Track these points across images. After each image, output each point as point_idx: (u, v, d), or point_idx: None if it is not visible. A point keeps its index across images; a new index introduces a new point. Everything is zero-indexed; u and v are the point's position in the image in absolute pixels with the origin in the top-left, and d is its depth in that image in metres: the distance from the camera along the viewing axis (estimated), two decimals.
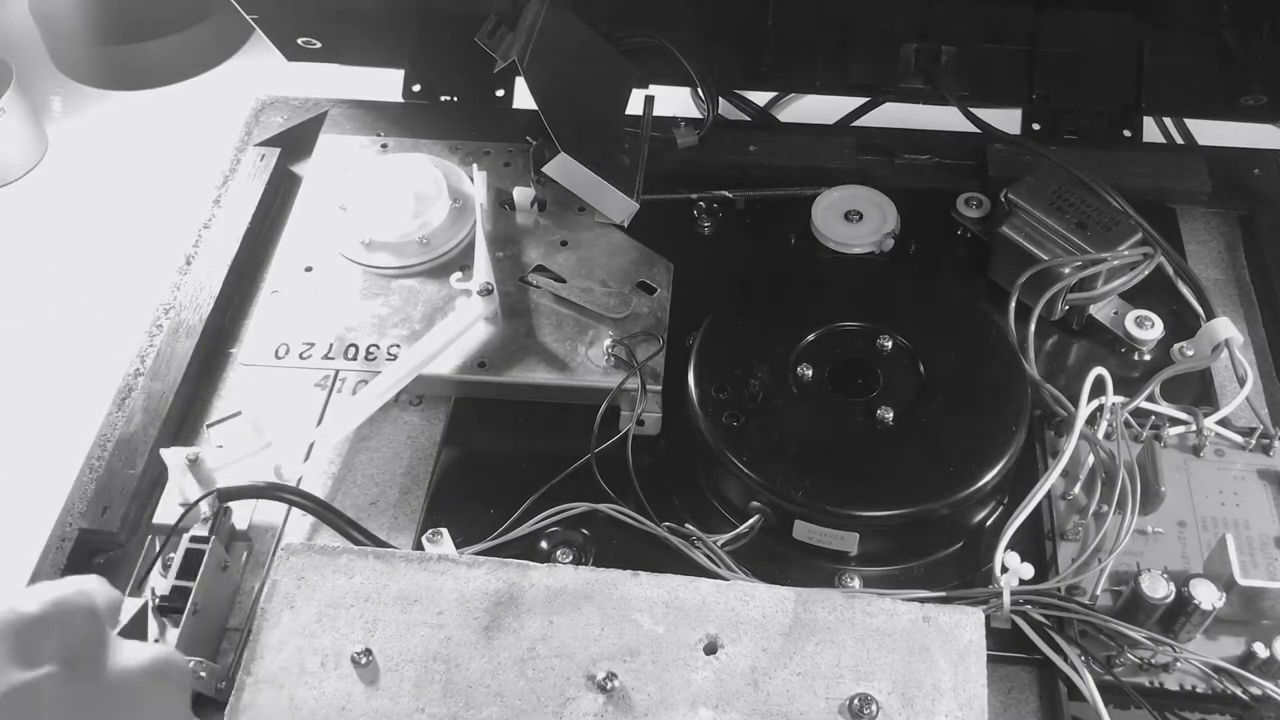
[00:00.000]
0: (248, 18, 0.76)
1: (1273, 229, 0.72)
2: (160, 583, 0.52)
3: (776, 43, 0.78)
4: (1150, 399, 0.59)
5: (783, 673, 0.45)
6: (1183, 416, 0.58)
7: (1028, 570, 0.52)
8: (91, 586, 0.39)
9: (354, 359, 0.62)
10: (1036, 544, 0.55)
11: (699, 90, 0.77)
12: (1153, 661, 0.50)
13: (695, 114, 0.78)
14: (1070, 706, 0.50)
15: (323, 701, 0.45)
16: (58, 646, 0.36)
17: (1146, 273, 0.63)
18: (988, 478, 0.54)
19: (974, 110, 0.76)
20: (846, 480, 0.55)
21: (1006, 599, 0.51)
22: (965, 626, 0.46)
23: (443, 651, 0.46)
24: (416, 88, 0.81)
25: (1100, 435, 0.56)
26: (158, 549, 0.54)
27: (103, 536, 0.58)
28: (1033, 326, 0.62)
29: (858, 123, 0.82)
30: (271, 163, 0.76)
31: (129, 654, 0.38)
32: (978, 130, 0.76)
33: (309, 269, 0.67)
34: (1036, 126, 0.78)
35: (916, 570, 0.56)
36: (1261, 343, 0.67)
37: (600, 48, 0.73)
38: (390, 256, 0.67)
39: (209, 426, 0.59)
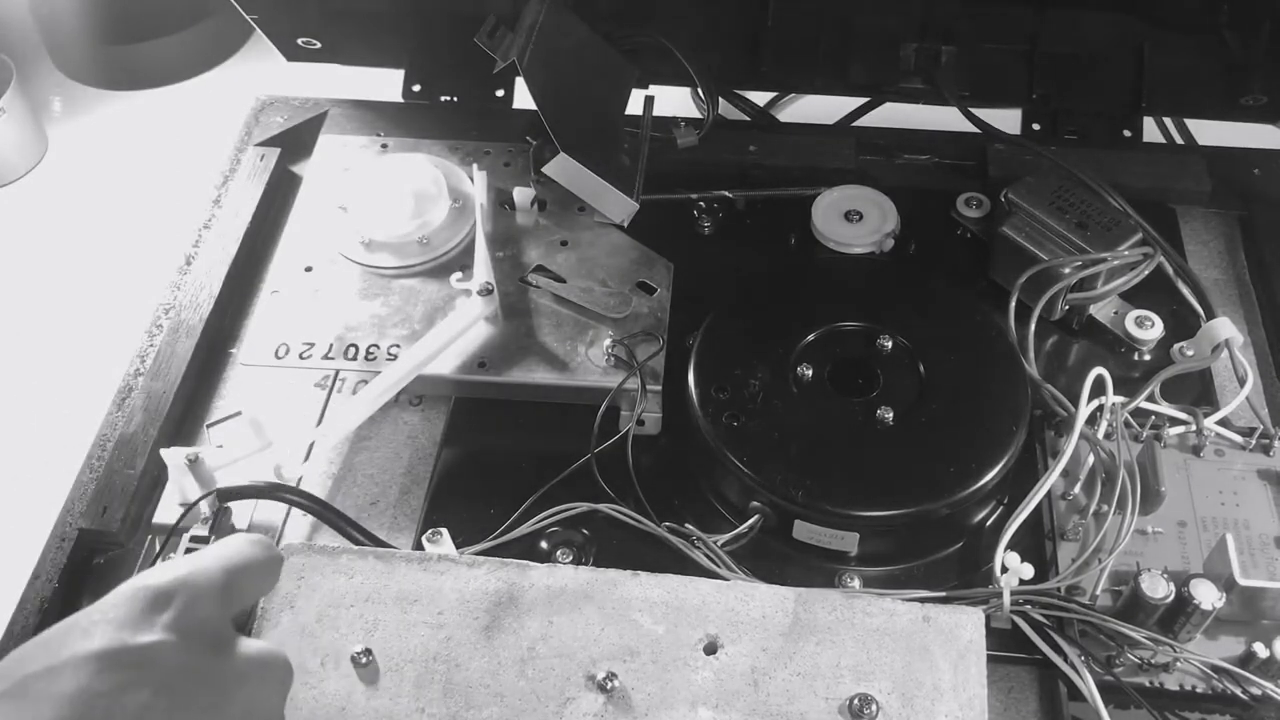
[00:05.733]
0: (247, 18, 0.75)
1: (1273, 228, 0.71)
2: None
3: (776, 43, 0.78)
4: (1150, 399, 0.59)
5: (783, 673, 0.45)
6: (1183, 416, 0.58)
7: (1028, 570, 0.52)
8: (238, 557, 0.39)
9: (354, 359, 0.62)
10: (1036, 544, 0.55)
11: (699, 90, 0.77)
12: (1153, 661, 0.50)
13: (695, 114, 0.78)
14: (1070, 706, 0.50)
15: (322, 701, 0.44)
16: (176, 619, 0.36)
17: (1146, 273, 0.63)
18: (987, 478, 0.54)
19: (974, 110, 0.76)
20: (846, 480, 0.55)
21: (1006, 599, 0.51)
22: (965, 626, 0.46)
23: (443, 651, 0.46)
24: (416, 88, 0.81)
25: (1100, 435, 0.56)
26: (158, 549, 0.54)
27: (103, 536, 0.57)
28: (1033, 326, 0.62)
29: (858, 123, 0.82)
30: (271, 163, 0.76)
31: (241, 643, 0.38)
32: (978, 130, 0.76)
33: (309, 269, 0.67)
34: (1036, 126, 0.78)
35: (916, 570, 0.56)
36: (1261, 343, 0.67)
37: (600, 48, 0.73)
38: (390, 256, 0.67)
39: (209, 426, 0.59)
